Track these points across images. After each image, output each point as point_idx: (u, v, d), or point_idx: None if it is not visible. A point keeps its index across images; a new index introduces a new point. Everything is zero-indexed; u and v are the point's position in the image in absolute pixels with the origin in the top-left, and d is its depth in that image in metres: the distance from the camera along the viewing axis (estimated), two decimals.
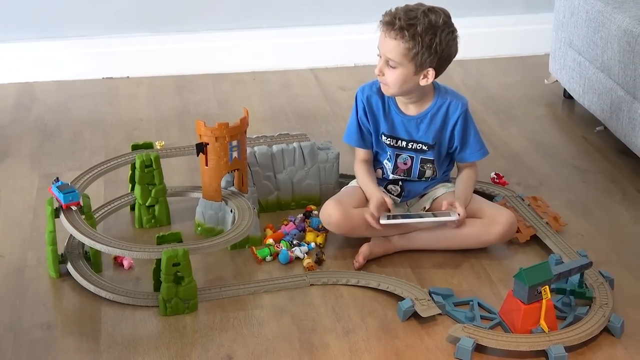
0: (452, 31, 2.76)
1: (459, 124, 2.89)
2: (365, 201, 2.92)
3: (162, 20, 4.23)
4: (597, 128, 3.71)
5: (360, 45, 4.31)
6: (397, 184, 2.98)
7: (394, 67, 2.76)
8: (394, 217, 2.83)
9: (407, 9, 2.75)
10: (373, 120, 2.93)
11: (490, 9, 4.43)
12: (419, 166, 2.95)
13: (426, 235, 2.89)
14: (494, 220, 2.85)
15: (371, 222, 2.80)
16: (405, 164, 2.94)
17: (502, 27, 4.44)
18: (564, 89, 3.97)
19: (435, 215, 2.85)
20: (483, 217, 2.88)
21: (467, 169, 2.99)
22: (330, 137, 3.45)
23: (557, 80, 3.98)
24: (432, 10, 2.75)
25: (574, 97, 3.81)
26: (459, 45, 2.81)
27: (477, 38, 4.35)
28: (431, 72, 2.77)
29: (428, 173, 2.96)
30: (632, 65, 3.25)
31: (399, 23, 2.71)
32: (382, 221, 2.81)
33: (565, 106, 3.99)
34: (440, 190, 2.99)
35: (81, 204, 2.81)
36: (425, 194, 3.01)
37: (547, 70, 4.03)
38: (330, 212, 2.87)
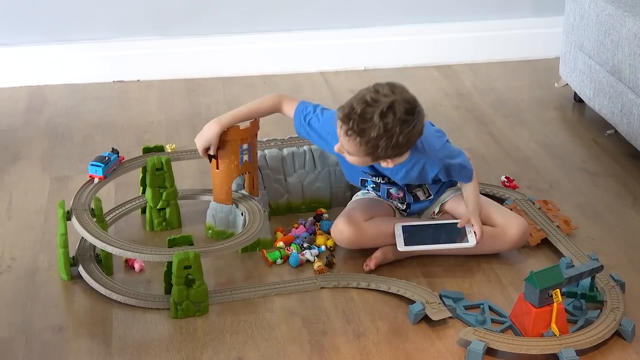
0: (412, 127, 2.59)
1: (441, 174, 2.82)
2: (377, 211, 2.93)
3: (172, 24, 4.23)
4: (607, 131, 3.71)
5: (370, 49, 4.32)
6: (403, 203, 2.97)
7: (350, 155, 2.67)
8: (411, 240, 2.81)
9: (364, 107, 2.57)
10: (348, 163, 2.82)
11: (501, 12, 4.42)
12: (410, 193, 2.93)
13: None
14: (507, 230, 2.84)
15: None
16: (398, 193, 2.93)
17: (512, 30, 4.44)
18: (574, 92, 3.96)
19: (450, 239, 2.81)
20: (495, 225, 2.86)
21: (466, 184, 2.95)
22: None
23: (567, 84, 3.97)
24: (391, 108, 2.55)
25: (584, 100, 3.80)
26: (424, 124, 2.66)
27: (487, 41, 4.35)
28: (390, 161, 2.69)
29: (421, 195, 2.95)
30: None
31: (352, 127, 2.57)
32: (400, 248, 2.80)
33: (576, 109, 3.99)
34: (447, 193, 2.98)
35: (103, 178, 2.88)
36: (430, 205, 3.01)
37: (558, 73, 4.03)
38: (342, 229, 2.86)
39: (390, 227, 2.86)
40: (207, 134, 2.86)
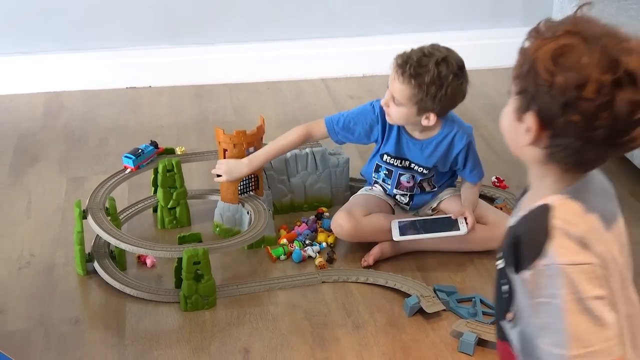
0: (460, 83, 2.69)
1: (462, 152, 2.85)
2: (376, 208, 2.93)
3: (182, 33, 4.23)
4: None
5: (368, 57, 4.32)
6: (406, 196, 2.97)
7: (398, 105, 2.73)
8: (406, 231, 2.82)
9: (421, 56, 2.67)
10: (380, 137, 2.89)
11: (492, 22, 4.42)
12: (418, 184, 2.94)
13: (434, 240, 2.87)
14: (498, 227, 2.82)
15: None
16: (408, 182, 2.93)
17: (502, 39, 4.43)
18: None
19: (443, 229, 2.82)
20: (487, 223, 2.87)
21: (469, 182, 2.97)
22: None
23: None
24: (445, 60, 2.66)
25: None
26: (466, 90, 2.74)
27: (478, 49, 4.35)
28: (432, 116, 2.73)
29: (427, 187, 2.96)
30: None
31: (409, 70, 2.65)
32: (396, 238, 2.80)
33: None
34: (447, 192, 2.99)
35: (134, 169, 2.93)
36: (432, 200, 3.01)
37: None
38: (341, 223, 2.86)
39: (387, 223, 2.86)
40: (236, 174, 2.88)
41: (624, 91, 1.38)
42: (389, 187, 2.96)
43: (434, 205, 2.97)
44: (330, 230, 2.99)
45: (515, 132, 1.52)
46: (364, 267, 2.83)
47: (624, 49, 1.40)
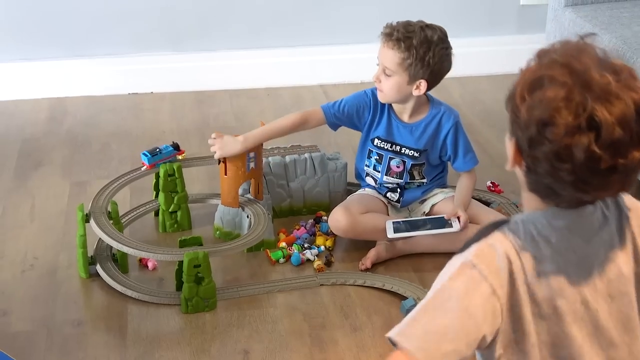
0: (446, 47, 2.79)
1: (451, 134, 2.90)
2: (372, 207, 2.95)
3: (183, 40, 4.24)
4: None
5: (366, 63, 4.30)
6: (396, 192, 2.99)
7: (389, 75, 2.80)
8: (400, 228, 2.84)
9: (407, 24, 2.79)
10: (370, 122, 2.95)
11: (487, 29, 4.44)
12: (409, 169, 2.96)
13: (429, 240, 2.89)
14: None
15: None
16: (398, 167, 2.96)
17: (498, 46, 4.45)
18: None
19: (436, 227, 2.84)
20: (480, 222, 2.88)
21: (464, 176, 2.99)
22: (338, 148, 3.45)
23: None
24: (429, 26, 2.79)
25: None
26: (452, 62, 2.83)
27: (474, 57, 4.36)
28: (423, 84, 2.79)
29: (416, 176, 2.97)
30: None
31: (396, 34, 2.76)
32: (389, 235, 2.82)
33: None
34: (438, 196, 3.00)
35: (149, 167, 3.00)
36: (424, 199, 3.02)
37: None
38: (338, 218, 2.88)
39: (383, 222, 2.88)
40: (229, 150, 2.87)
41: (582, 138, 1.30)
42: (379, 174, 2.98)
43: (427, 210, 2.98)
44: (328, 234, 3.00)
45: (508, 151, 1.47)
46: (362, 270, 2.84)
47: (604, 92, 1.30)
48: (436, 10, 4.15)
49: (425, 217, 2.94)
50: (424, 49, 2.74)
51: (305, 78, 4.35)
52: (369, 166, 3.01)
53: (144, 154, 3.03)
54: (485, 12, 4.41)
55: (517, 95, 1.37)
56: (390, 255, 2.90)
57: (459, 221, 2.82)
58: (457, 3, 4.35)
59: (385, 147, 2.95)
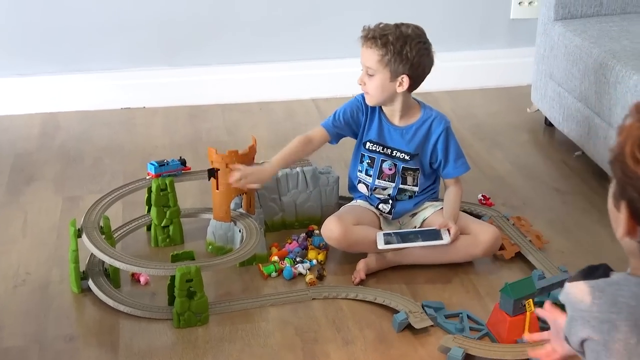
0: (423, 42, 2.82)
1: (441, 139, 2.91)
2: (364, 218, 2.95)
3: (176, 55, 4.23)
4: (575, 153, 3.70)
5: (357, 78, 4.32)
6: (388, 203, 2.98)
7: (371, 75, 2.84)
8: (391, 240, 2.83)
9: (381, 24, 2.85)
10: (362, 125, 2.97)
11: (477, 43, 4.43)
12: (401, 172, 2.95)
13: (419, 251, 2.87)
14: (480, 235, 2.86)
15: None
16: (390, 169, 2.95)
17: (488, 60, 4.44)
18: (545, 117, 3.96)
19: (427, 239, 2.83)
20: (469, 232, 2.88)
21: (452, 186, 2.98)
22: (330, 162, 3.45)
23: (538, 109, 3.97)
24: (404, 24, 2.84)
25: (554, 124, 3.80)
26: (433, 58, 2.85)
27: (465, 70, 4.36)
28: (405, 79, 2.81)
29: (409, 180, 2.96)
30: (607, 95, 3.25)
31: (372, 34, 2.82)
32: (380, 246, 2.81)
33: (546, 133, 3.99)
34: (429, 210, 2.98)
35: (154, 176, 2.99)
36: (415, 212, 3.00)
37: (530, 99, 4.03)
38: (331, 228, 2.86)
39: (374, 233, 2.87)
40: (258, 178, 2.87)
41: None
42: (371, 179, 2.98)
43: (418, 225, 2.97)
44: (320, 248, 2.98)
45: (614, 220, 1.34)
46: (356, 284, 2.82)
47: None
48: (427, 24, 4.12)
49: (415, 229, 2.93)
50: (401, 44, 2.77)
51: (297, 92, 4.35)
52: (361, 171, 3.00)
53: (151, 163, 3.03)
54: (476, 26, 4.41)
55: (628, 155, 1.23)
56: (380, 267, 2.88)
57: (449, 233, 2.81)
58: (448, 17, 4.34)
59: (377, 150, 2.95)
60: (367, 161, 2.98)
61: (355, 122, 2.97)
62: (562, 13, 3.68)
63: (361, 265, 2.84)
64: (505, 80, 4.47)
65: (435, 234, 2.84)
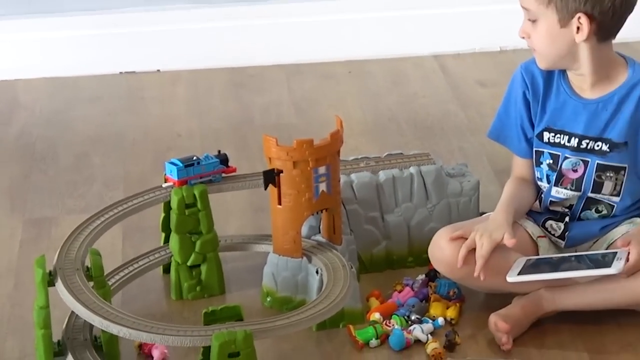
0: None
1: None
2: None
3: None
4: None
5: (507, 22, 4.28)
6: (562, 221, 2.98)
7: (534, 21, 2.86)
8: (532, 268, 2.83)
9: None
10: (535, 108, 2.98)
11: None
12: (594, 175, 2.93)
13: (588, 288, 2.86)
14: None
15: (459, 261, 2.83)
16: (575, 170, 2.95)
17: None
18: None
19: (589, 267, 2.80)
20: None
21: None
22: (466, 158, 3.45)
23: None
24: None
25: None
26: None
27: None
28: (584, 20, 2.78)
29: (607, 187, 2.95)
30: None
31: None
32: (509, 278, 2.80)
33: None
34: (622, 228, 2.97)
35: (178, 184, 3.03)
36: (601, 236, 2.99)
37: None
38: (442, 245, 2.88)
39: (511, 259, 2.87)
40: (494, 238, 2.86)
41: None
42: (548, 188, 3.00)
43: (602, 247, 2.96)
44: (450, 298, 3.00)
45: None
46: (505, 354, 2.80)
47: None
48: None
49: (580, 253, 2.92)
50: None
51: (410, 44, 4.41)
52: (540, 179, 3.01)
53: (171, 162, 3.05)
54: None
55: None
56: (529, 316, 2.88)
57: (627, 259, 2.76)
58: None
59: (562, 142, 2.94)
60: (549, 161, 2.98)
61: (537, 108, 2.97)
62: None
63: (493, 320, 2.83)
64: None
65: (605, 260, 2.80)
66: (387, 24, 4.34)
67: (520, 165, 3.04)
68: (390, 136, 3.22)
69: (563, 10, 2.77)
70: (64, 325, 2.80)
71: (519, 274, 2.79)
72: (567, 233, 2.97)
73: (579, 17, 2.76)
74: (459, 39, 4.38)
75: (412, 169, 3.11)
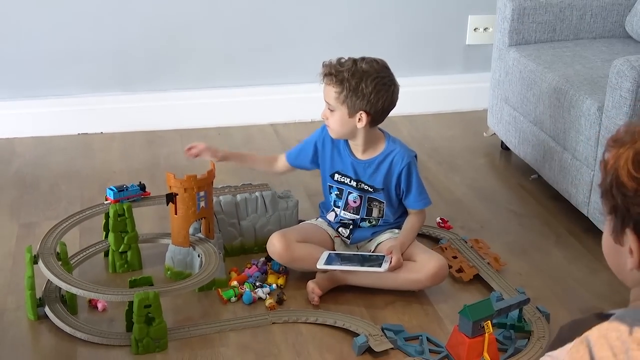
0: (382, 77, 2.77)
1: (403, 174, 2.89)
2: (313, 237, 2.96)
3: (133, 80, 4.20)
4: (531, 176, 3.73)
5: (316, 102, 4.30)
6: (348, 227, 2.98)
7: (332, 111, 2.83)
8: (332, 261, 2.84)
9: (340, 59, 2.82)
10: (328, 157, 2.97)
11: (434, 69, 4.46)
12: (366, 204, 2.94)
13: (360, 274, 2.85)
14: (425, 264, 2.84)
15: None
16: (355, 202, 2.95)
17: (445, 85, 4.47)
18: (501, 141, 3.99)
19: (366, 265, 2.83)
20: (416, 260, 2.87)
21: (412, 216, 2.98)
22: (289, 187, 3.44)
23: (494, 133, 3.99)
24: (364, 59, 2.80)
25: (510, 148, 3.82)
26: (395, 93, 2.82)
27: (422, 95, 4.38)
28: (364, 116, 2.78)
29: (375, 212, 2.96)
30: (562, 118, 3.27)
31: (329, 70, 2.80)
32: (318, 265, 2.82)
33: (503, 156, 4.01)
34: (386, 235, 2.98)
35: (113, 201, 2.97)
36: (372, 239, 3.00)
37: (486, 124, 4.05)
38: (274, 243, 2.89)
39: (317, 252, 2.87)
40: (215, 151, 3.03)
41: None
42: (339, 210, 2.98)
43: (372, 248, 2.97)
44: (279, 272, 2.97)
45: (617, 257, 1.30)
46: (316, 303, 2.81)
47: None
48: (384, 50, 4.15)
49: (363, 253, 2.92)
50: (356, 81, 2.75)
51: (255, 117, 4.34)
52: (334, 204, 3.01)
53: (110, 188, 3.01)
54: (433, 52, 4.44)
55: (625, 176, 1.24)
56: (331, 285, 2.88)
57: (390, 262, 2.80)
58: (405, 43, 4.37)
59: (345, 181, 2.95)
60: (336, 192, 2.98)
61: (330, 157, 2.97)
62: (516, 39, 3.72)
63: (311, 286, 2.84)
64: (461, 105, 4.50)
65: (377, 261, 2.83)
66: (241, 104, 4.32)
67: (281, 160, 3.09)
68: (244, 173, 3.21)
69: (351, 108, 2.78)
70: (43, 288, 2.77)
71: (325, 263, 2.82)
72: (351, 235, 2.99)
73: (361, 113, 2.78)
74: (286, 113, 4.37)
75: (257, 193, 3.10)
